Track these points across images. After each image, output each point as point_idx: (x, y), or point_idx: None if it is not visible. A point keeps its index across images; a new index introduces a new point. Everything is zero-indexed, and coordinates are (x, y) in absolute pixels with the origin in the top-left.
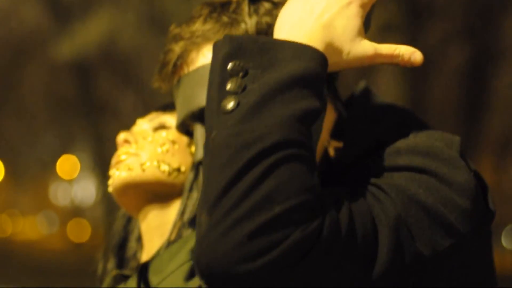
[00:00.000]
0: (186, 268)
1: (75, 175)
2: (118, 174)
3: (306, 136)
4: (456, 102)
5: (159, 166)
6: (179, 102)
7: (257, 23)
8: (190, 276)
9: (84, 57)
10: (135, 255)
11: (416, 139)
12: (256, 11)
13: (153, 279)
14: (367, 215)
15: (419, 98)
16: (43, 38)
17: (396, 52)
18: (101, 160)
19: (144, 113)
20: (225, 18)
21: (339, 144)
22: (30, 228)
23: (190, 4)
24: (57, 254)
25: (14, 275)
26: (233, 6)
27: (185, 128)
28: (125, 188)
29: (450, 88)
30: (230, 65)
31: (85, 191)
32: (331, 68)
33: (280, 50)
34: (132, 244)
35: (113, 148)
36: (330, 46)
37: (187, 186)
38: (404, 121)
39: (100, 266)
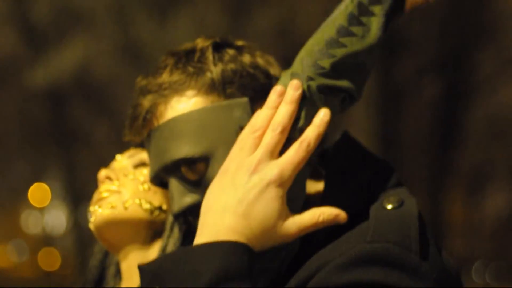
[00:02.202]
0: None
1: (47, 203)
2: (101, 212)
3: None
4: (428, 135)
5: (141, 204)
6: (151, 155)
7: (222, 71)
8: None
9: (58, 85)
10: None
11: (373, 244)
12: (221, 59)
13: None
14: None
15: (392, 130)
16: (17, 65)
17: (320, 219)
18: (72, 189)
19: (117, 142)
20: (190, 69)
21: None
22: (0, 257)
23: (164, 33)
24: (28, 282)
25: None
26: (197, 54)
27: (159, 180)
28: (107, 225)
29: (422, 121)
30: None
31: (56, 220)
32: (260, 249)
33: (193, 258)
34: (109, 279)
35: (84, 177)
36: (251, 235)
37: (168, 225)
38: (374, 185)
39: None
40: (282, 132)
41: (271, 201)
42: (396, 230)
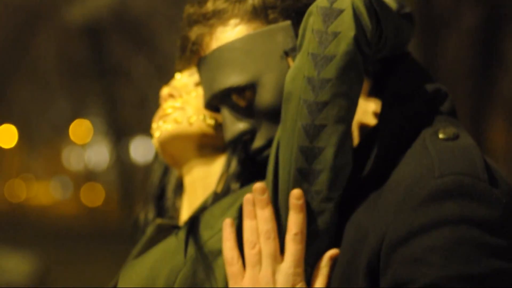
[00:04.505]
0: (234, 225)
1: (88, 139)
2: (166, 127)
3: None
4: (468, 63)
5: (205, 120)
6: (202, 83)
7: None
8: (237, 233)
9: (96, 20)
10: (174, 205)
11: (443, 178)
12: None
13: (204, 233)
14: None
15: (432, 59)
16: (55, 2)
17: (330, 266)
18: (114, 124)
19: (156, 76)
20: None
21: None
22: (43, 193)
23: None
24: (71, 218)
25: (28, 240)
26: None
27: (213, 107)
28: (172, 140)
29: (463, 49)
30: None
31: (99, 156)
32: None
33: None
34: (169, 195)
35: (125, 112)
36: None
37: None
38: (431, 109)
39: (141, 217)
40: (274, 237)
41: None
42: (461, 160)
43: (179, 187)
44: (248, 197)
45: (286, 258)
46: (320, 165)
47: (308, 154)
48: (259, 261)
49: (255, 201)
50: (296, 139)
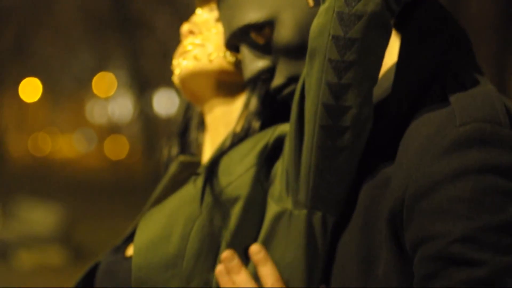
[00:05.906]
0: (252, 172)
1: (112, 92)
2: (186, 64)
3: None
4: (492, 12)
5: (225, 57)
6: (222, 22)
7: None
8: (256, 180)
9: None
10: (196, 140)
11: (465, 126)
12: None
13: (222, 179)
14: None
15: (456, 11)
16: None
17: None
18: (137, 76)
19: (179, 27)
20: None
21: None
22: (67, 147)
23: None
24: (95, 171)
25: (53, 193)
26: None
27: (233, 46)
28: (192, 77)
29: (486, 1)
30: None
31: (122, 108)
32: None
33: None
34: (192, 131)
35: (149, 64)
36: None
37: None
38: (451, 53)
39: (165, 153)
40: None
41: None
42: (482, 107)
43: (201, 123)
44: (220, 269)
45: None
46: (346, 122)
47: (333, 112)
48: None
49: (228, 269)
50: (321, 97)
